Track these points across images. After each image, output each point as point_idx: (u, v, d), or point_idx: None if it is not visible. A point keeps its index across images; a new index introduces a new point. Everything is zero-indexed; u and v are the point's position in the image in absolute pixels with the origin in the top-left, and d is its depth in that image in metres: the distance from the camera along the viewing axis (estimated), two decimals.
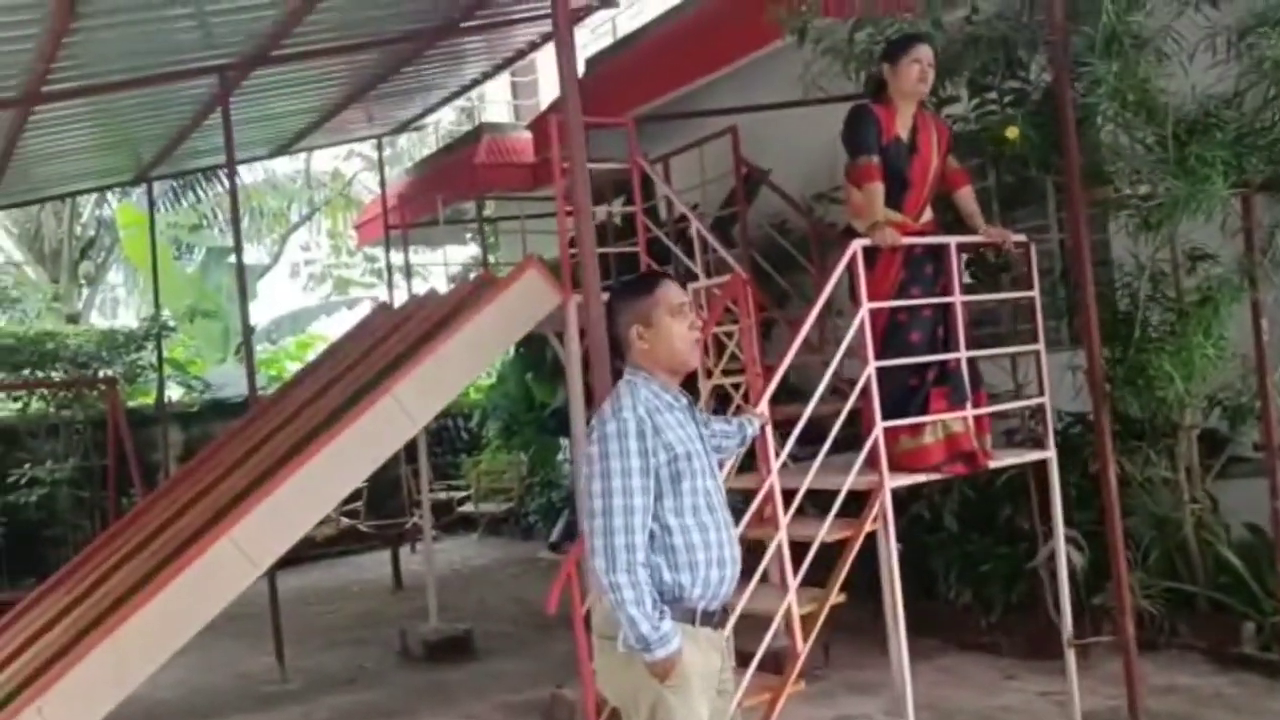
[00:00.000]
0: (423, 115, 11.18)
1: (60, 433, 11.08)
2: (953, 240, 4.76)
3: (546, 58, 13.36)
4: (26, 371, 10.62)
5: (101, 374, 10.93)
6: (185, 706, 6.94)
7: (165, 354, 11.76)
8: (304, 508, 5.30)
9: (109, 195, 15.61)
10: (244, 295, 7.73)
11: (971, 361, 4.78)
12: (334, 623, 9.18)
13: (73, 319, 14.99)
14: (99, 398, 11.29)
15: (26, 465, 10.69)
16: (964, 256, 5.32)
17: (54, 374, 10.84)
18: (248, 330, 7.91)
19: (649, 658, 2.96)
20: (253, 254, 17.12)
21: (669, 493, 3.07)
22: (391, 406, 5.47)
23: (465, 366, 5.78)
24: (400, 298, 9.98)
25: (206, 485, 6.30)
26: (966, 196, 4.87)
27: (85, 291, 17.54)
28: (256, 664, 7.72)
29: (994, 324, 6.48)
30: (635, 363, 3.21)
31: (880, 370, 4.50)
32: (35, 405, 11.06)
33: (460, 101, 13.09)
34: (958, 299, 4.69)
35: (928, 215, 4.77)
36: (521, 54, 9.75)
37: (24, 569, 10.24)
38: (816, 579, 4.42)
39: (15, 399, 11.08)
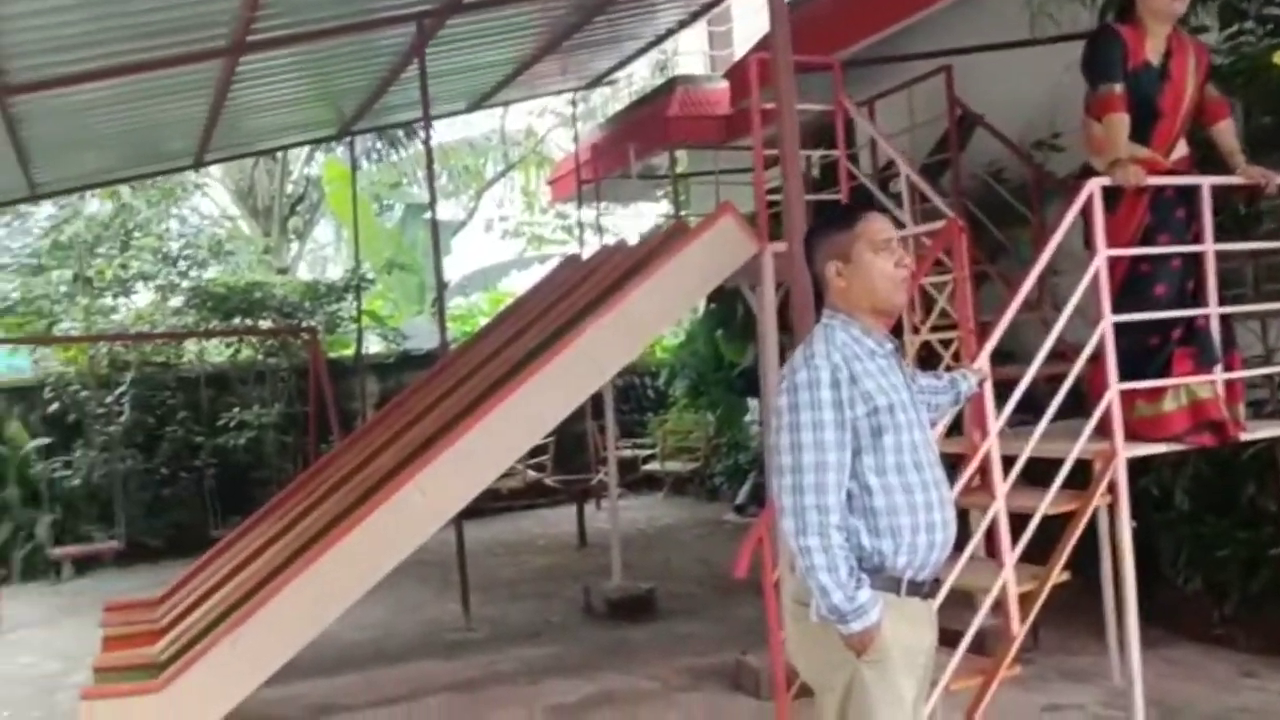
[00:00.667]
0: (616, 68, 10.99)
1: (267, 379, 11.52)
2: (1206, 181, 4.19)
3: (742, 6, 12.98)
4: (236, 320, 11.05)
5: (304, 324, 11.27)
6: (375, 648, 7.04)
7: (364, 306, 12.06)
8: (489, 457, 5.20)
9: (317, 152, 16.19)
10: (437, 249, 7.74)
11: (1225, 320, 4.22)
12: (518, 575, 9.20)
13: (282, 272, 15.60)
14: (302, 346, 11.70)
15: (236, 409, 11.16)
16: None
17: (262, 323, 11.25)
18: (441, 284, 7.93)
19: (843, 630, 2.67)
20: (448, 210, 17.48)
21: (869, 449, 2.76)
22: (579, 356, 5.30)
23: (655, 317, 5.56)
24: (591, 253, 9.86)
25: (396, 432, 6.32)
26: (1226, 131, 4.28)
27: (295, 246, 18.27)
28: (442, 611, 7.79)
29: (1237, 284, 5.80)
30: (833, 305, 2.89)
31: (1117, 327, 4.01)
32: (244, 353, 11.52)
33: (655, 55, 12.87)
34: (1211, 248, 4.13)
35: (1181, 151, 4.21)
36: (717, 0, 9.41)
37: (233, 508, 10.71)
38: (1025, 555, 4.02)
39: (227, 345, 11.58)
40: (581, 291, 6.17)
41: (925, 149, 7.53)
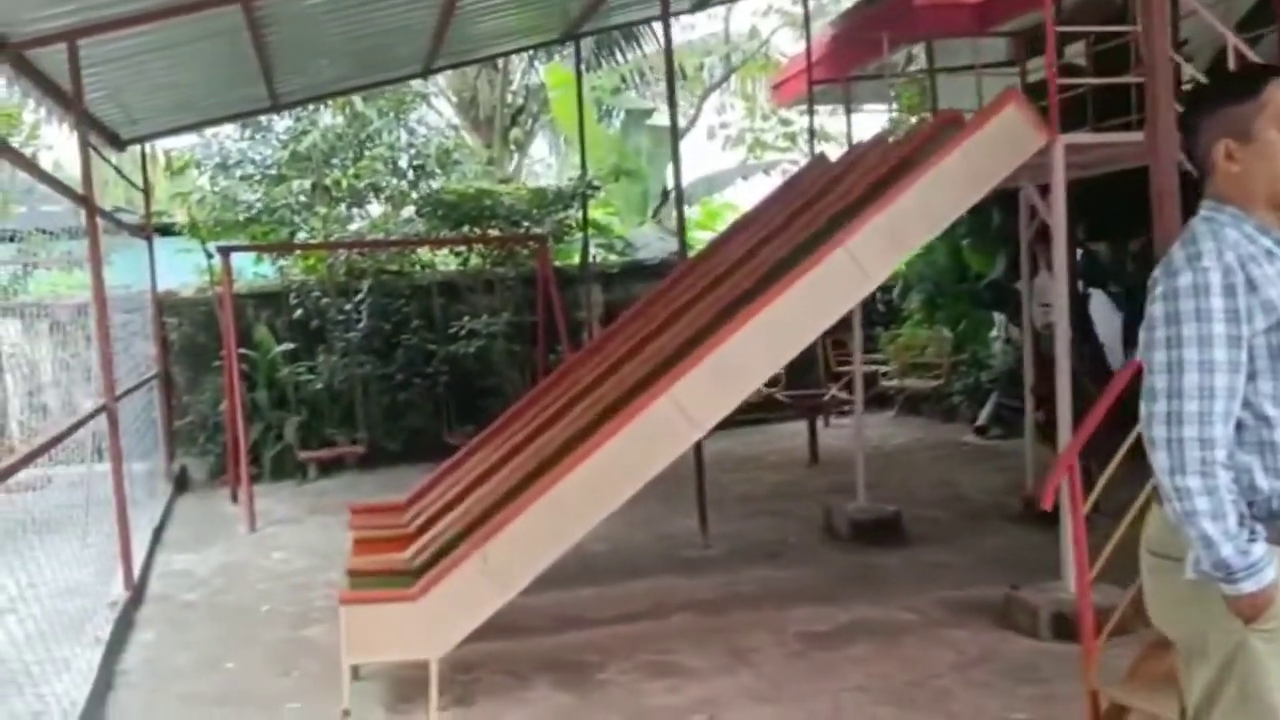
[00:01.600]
0: None
1: (495, 288, 11.54)
2: None
3: None
4: (465, 228, 11.07)
5: (532, 232, 11.20)
6: (614, 562, 6.91)
7: (587, 216, 11.88)
8: (749, 369, 4.87)
9: (536, 62, 16.04)
10: (676, 151, 7.39)
11: None
12: (751, 492, 8.92)
13: (504, 183, 15.62)
14: (529, 255, 11.65)
15: (465, 318, 11.25)
16: None
17: (490, 231, 11.23)
18: (679, 190, 7.59)
19: (1230, 590, 2.20)
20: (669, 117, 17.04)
21: (1267, 372, 2.25)
22: (843, 261, 4.85)
23: (927, 219, 5.04)
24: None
25: (636, 344, 6.06)
26: None
27: (515, 157, 18.33)
28: (678, 527, 7.58)
29: None
30: (1219, 194, 2.37)
31: None
32: (473, 261, 11.57)
33: None
34: None
35: None
36: None
37: (464, 415, 10.87)
38: None
39: (456, 254, 11.65)
40: (837, 194, 5.68)
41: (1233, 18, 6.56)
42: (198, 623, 6.28)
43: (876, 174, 5.48)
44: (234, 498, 9.70)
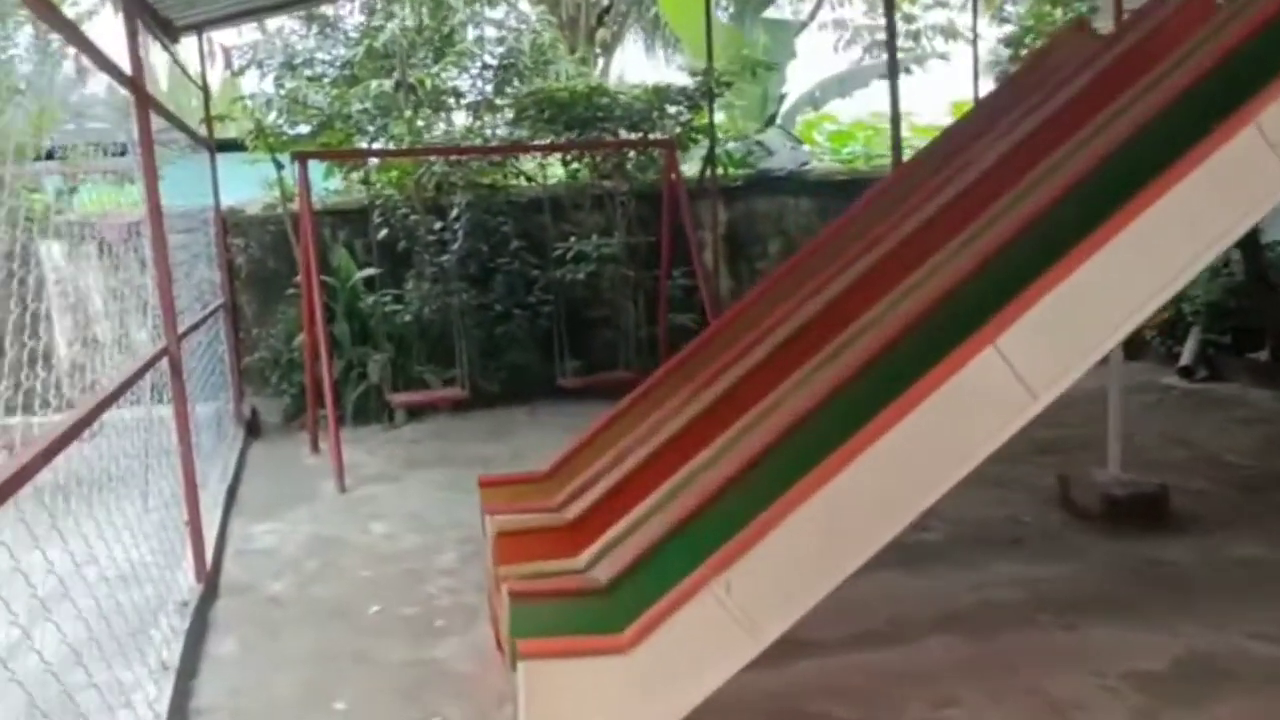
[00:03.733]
0: None
1: (605, 204, 9.97)
2: None
3: None
4: (575, 133, 9.46)
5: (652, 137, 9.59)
6: None
7: (701, 121, 10.22)
8: (1108, 310, 3.28)
9: None
10: (893, 30, 5.70)
11: None
12: None
13: None
14: (637, 169, 10.04)
15: (572, 239, 9.71)
16: None
17: (604, 136, 9.63)
18: (894, 93, 5.93)
19: None
20: (785, 10, 15.20)
21: None
22: (1254, 142, 3.22)
23: None
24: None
25: (865, 274, 4.49)
26: None
27: (600, 62, 16.61)
28: None
29: None
30: None
31: None
32: (581, 174, 9.97)
33: None
34: None
35: None
36: None
37: (572, 351, 9.39)
38: None
39: (566, 163, 10.03)
40: (1171, 67, 4.01)
41: None
42: (290, 629, 4.89)
43: (1236, 37, 3.81)
44: (314, 446, 8.34)
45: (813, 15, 15.62)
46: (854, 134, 15.11)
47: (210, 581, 5.37)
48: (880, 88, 14.71)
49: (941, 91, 18.84)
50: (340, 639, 4.73)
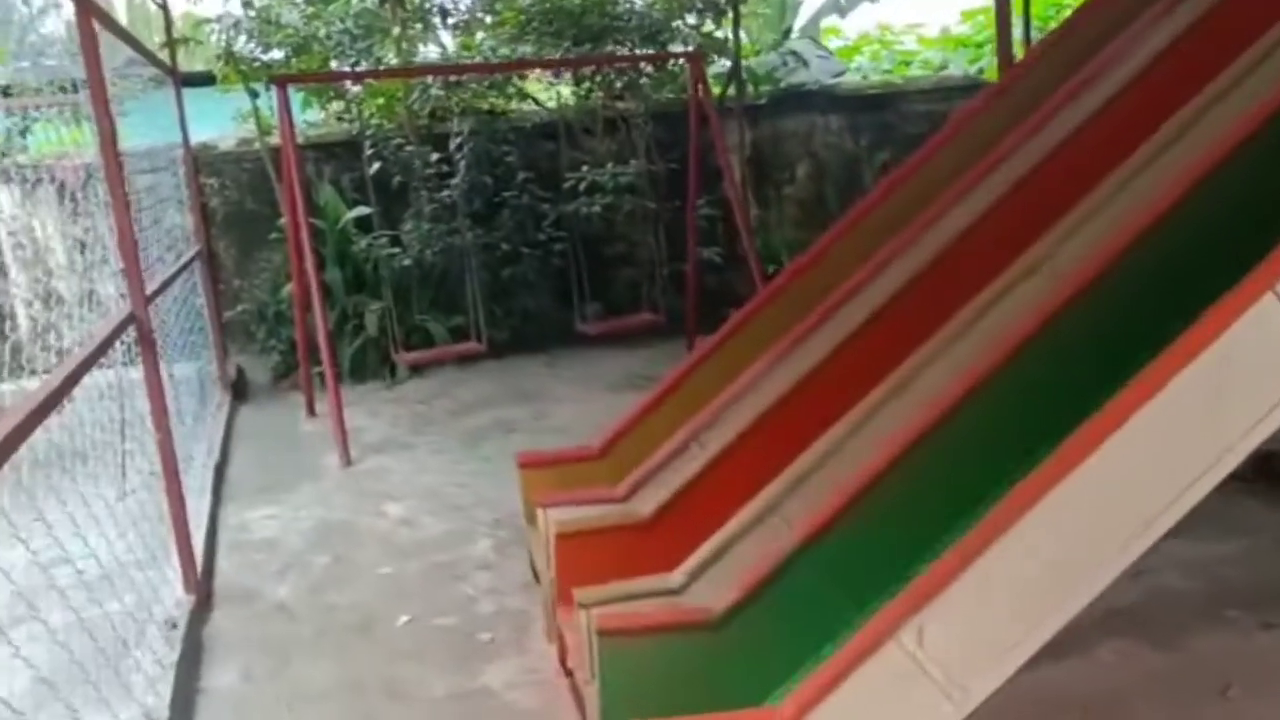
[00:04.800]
0: None
1: (619, 129, 8.98)
2: None
3: None
4: (586, 47, 8.44)
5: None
6: None
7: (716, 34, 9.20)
8: None
9: None
10: None
11: None
12: None
13: None
14: (654, 87, 9.06)
15: (584, 168, 8.73)
16: None
17: (616, 51, 8.62)
18: None
19: None
20: None
21: None
22: None
23: None
24: None
25: (1004, 196, 3.59)
26: None
27: None
28: None
29: None
30: None
31: None
32: (593, 95, 8.95)
33: None
34: None
35: None
36: None
37: (590, 293, 8.48)
38: None
39: (577, 81, 8.99)
40: None
41: None
42: (303, 651, 4.05)
43: None
44: (311, 409, 7.45)
45: None
46: (859, 48, 14.09)
47: (203, 590, 4.51)
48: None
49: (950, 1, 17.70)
50: (366, 663, 3.89)
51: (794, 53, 9.54)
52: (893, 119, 9.63)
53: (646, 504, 3.65)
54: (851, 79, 10.49)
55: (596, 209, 8.65)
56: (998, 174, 3.79)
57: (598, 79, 8.82)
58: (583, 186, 8.65)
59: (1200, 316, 2.35)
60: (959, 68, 13.14)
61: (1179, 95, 3.26)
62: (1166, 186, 2.89)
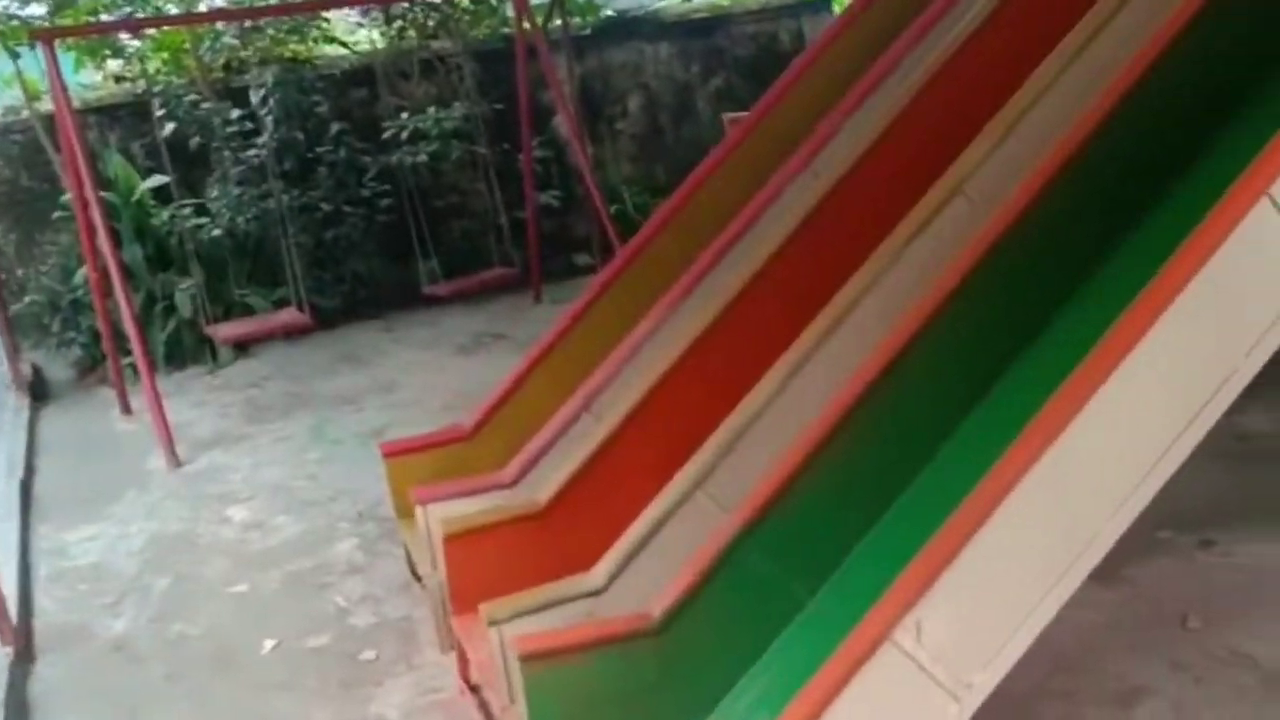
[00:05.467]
0: None
1: (437, 70, 8.35)
2: None
3: None
4: None
5: None
6: None
7: None
8: None
9: None
10: None
11: None
12: None
13: None
14: (472, 23, 8.46)
15: (404, 115, 8.07)
16: None
17: None
18: None
19: None
20: None
21: None
22: None
23: None
24: None
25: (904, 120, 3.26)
26: None
27: None
28: None
29: None
30: None
31: None
32: (407, 35, 8.26)
33: None
34: None
35: None
36: None
37: (427, 250, 7.89)
38: None
39: (388, 20, 8.25)
40: None
41: None
42: (153, 700, 3.47)
43: None
44: (125, 406, 6.67)
45: None
46: None
47: (20, 636, 3.85)
48: None
49: None
50: (231, 704, 3.37)
51: None
52: (723, 43, 9.31)
53: (540, 489, 3.22)
54: (673, 3, 10.08)
55: (422, 158, 8.03)
56: (883, 92, 3.48)
57: (409, 18, 8.14)
58: (404, 135, 8.01)
59: (1177, 234, 2.06)
60: None
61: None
62: (1091, 97, 2.61)
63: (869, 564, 2.33)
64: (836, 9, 10.00)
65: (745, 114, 7.88)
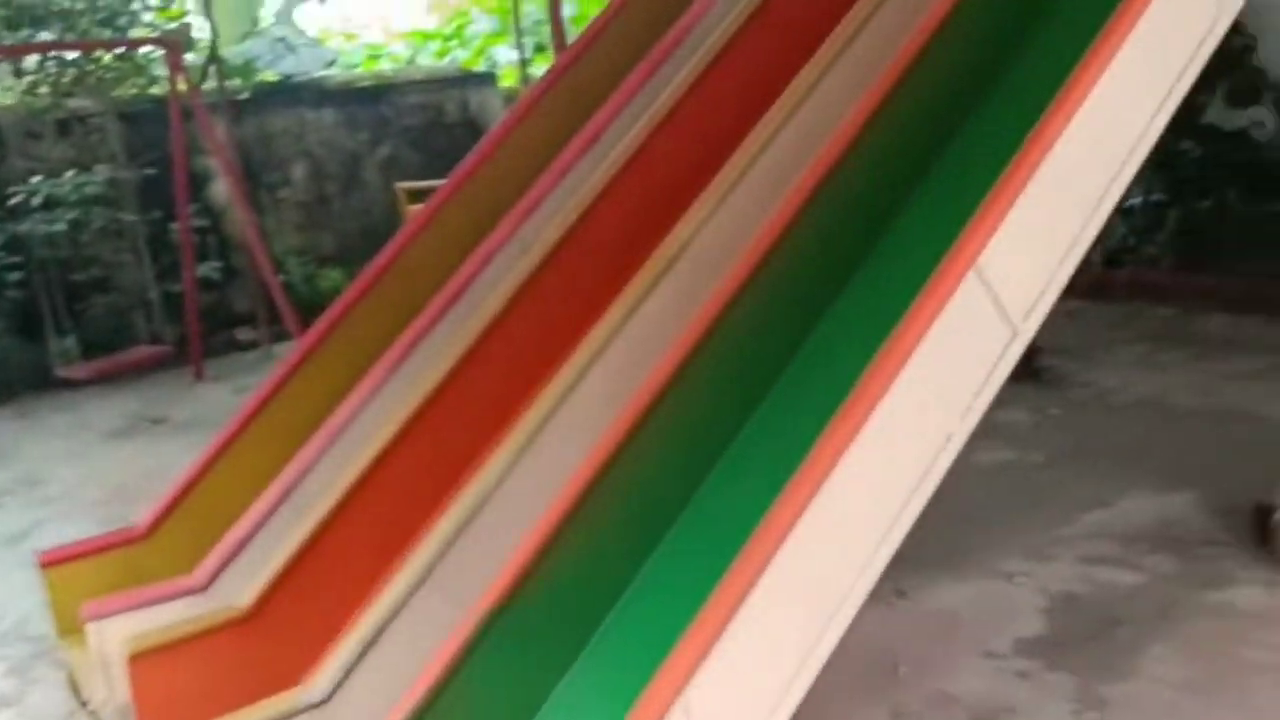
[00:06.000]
0: None
1: (75, 130, 7.60)
2: None
3: None
4: (24, 34, 6.99)
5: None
6: None
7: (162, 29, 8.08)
8: (1077, 201, 2.40)
9: None
10: None
11: None
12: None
13: None
14: (116, 81, 7.79)
15: (35, 179, 7.27)
16: None
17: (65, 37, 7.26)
18: None
19: None
20: None
21: None
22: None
23: None
24: None
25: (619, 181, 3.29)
26: None
27: None
28: None
29: None
30: None
31: None
32: (39, 92, 7.45)
33: None
34: None
35: None
36: None
37: (65, 327, 7.09)
38: None
39: (19, 75, 7.38)
40: None
41: None
42: None
43: None
44: None
45: None
46: (323, 41, 13.37)
47: None
48: None
49: None
50: None
51: (282, 40, 8.66)
52: (389, 112, 9.14)
53: (239, 593, 2.90)
54: (338, 72, 9.81)
55: (59, 226, 7.23)
56: (590, 158, 3.49)
57: (42, 72, 7.37)
58: (37, 201, 7.19)
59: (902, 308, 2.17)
60: (428, 60, 12.95)
61: (778, 62, 3.15)
62: (808, 160, 2.72)
63: (620, 652, 2.25)
64: (504, 83, 10.14)
65: (421, 183, 7.86)
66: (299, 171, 8.83)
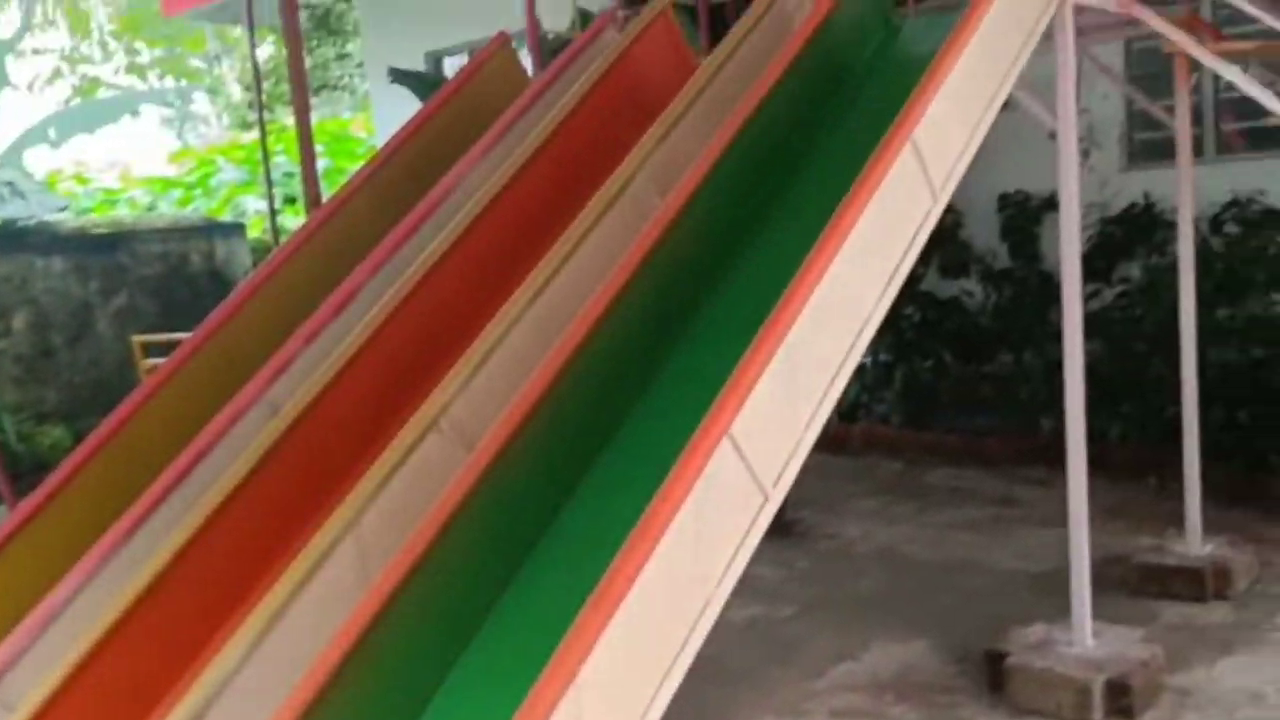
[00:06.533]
0: None
1: None
2: None
3: None
4: None
5: None
6: None
7: None
8: (824, 361, 2.55)
9: None
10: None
11: None
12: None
13: None
14: None
15: None
16: None
17: None
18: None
19: None
20: None
21: None
22: (909, 165, 2.77)
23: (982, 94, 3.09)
24: None
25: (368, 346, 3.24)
26: None
27: None
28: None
29: None
30: None
31: None
32: None
33: None
34: None
35: None
36: None
37: None
38: None
39: None
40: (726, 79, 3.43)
41: None
42: None
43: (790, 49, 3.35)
44: None
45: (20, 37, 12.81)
46: (53, 184, 12.73)
47: None
48: (106, 133, 12.69)
49: (163, 140, 16.94)
50: None
51: (10, 183, 8.16)
52: (126, 260, 8.72)
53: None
54: (71, 217, 9.32)
55: None
56: (342, 321, 3.43)
57: None
58: None
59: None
60: (169, 208, 12.57)
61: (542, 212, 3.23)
62: (568, 321, 2.77)
63: None
64: (253, 233, 9.90)
65: (160, 336, 7.46)
66: (20, 321, 8.23)
